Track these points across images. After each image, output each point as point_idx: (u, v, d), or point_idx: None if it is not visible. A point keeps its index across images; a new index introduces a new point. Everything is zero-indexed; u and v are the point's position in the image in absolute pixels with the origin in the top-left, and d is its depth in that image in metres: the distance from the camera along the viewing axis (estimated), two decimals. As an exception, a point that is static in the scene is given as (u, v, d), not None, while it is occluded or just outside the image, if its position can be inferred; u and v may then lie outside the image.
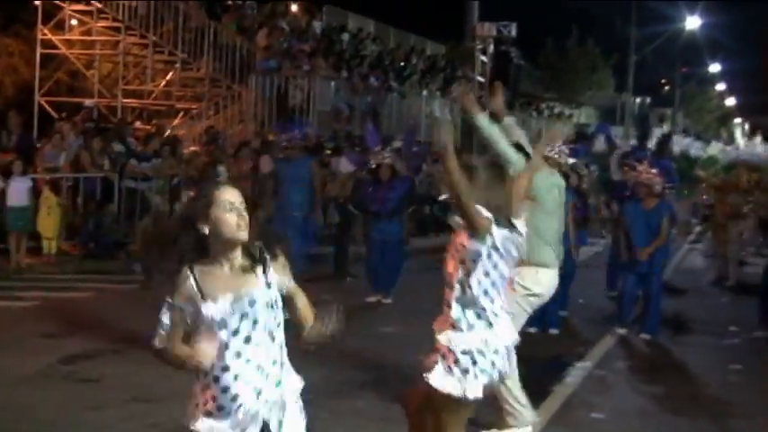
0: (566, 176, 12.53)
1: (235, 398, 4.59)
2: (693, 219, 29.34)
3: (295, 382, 4.78)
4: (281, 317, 4.69)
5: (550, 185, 8.17)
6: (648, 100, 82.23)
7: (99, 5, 26.65)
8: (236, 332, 4.57)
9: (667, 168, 12.90)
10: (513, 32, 30.24)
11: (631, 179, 13.21)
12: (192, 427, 4.68)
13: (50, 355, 9.97)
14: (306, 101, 26.47)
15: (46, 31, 27.24)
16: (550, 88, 60.95)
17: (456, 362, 5.60)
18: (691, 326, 13.93)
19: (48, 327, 11.47)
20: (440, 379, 5.63)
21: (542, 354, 11.64)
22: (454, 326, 5.73)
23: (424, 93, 34.92)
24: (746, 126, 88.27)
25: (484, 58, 30.48)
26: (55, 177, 17.40)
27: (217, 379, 4.61)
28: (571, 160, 12.83)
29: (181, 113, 27.68)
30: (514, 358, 6.04)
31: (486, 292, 5.71)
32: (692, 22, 62.56)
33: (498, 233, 5.68)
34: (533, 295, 8.10)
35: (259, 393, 4.62)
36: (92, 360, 9.85)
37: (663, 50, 66.22)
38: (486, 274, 5.70)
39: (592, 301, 14.33)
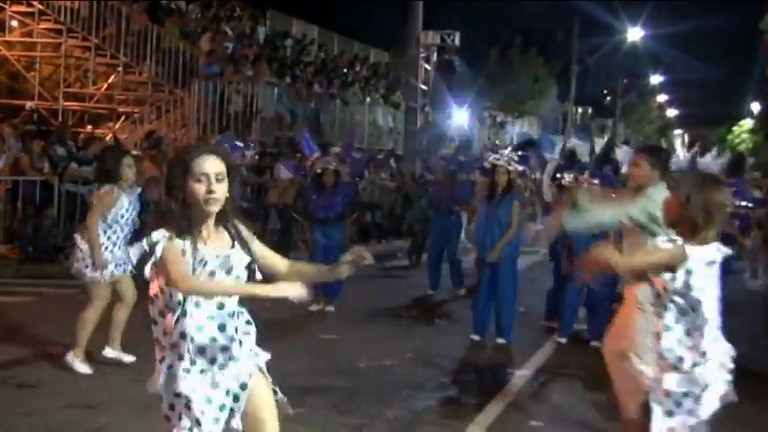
0: (511, 183, 12.68)
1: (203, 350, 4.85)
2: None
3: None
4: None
5: None
6: (590, 110, 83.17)
7: (40, 7, 26.30)
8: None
9: (610, 180, 12.92)
10: (457, 41, 30.47)
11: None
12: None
13: (-13, 359, 9.89)
14: (248, 106, 26.44)
15: (-15, 32, 27.01)
16: (493, 97, 61.20)
17: (678, 404, 5.42)
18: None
19: (-16, 331, 11.37)
20: (662, 423, 5.47)
21: (483, 361, 11.74)
22: (671, 366, 5.48)
23: (368, 100, 35.02)
24: (686, 137, 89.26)
25: (427, 66, 30.60)
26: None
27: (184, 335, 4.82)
28: (520, 168, 12.99)
29: (122, 117, 27.52)
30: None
31: (697, 323, 5.51)
32: (634, 33, 63.31)
33: (698, 253, 5.48)
34: None
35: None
36: (29, 365, 9.78)
37: (605, 61, 67.11)
38: (694, 300, 5.50)
39: (532, 308, 14.40)
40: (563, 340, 12.74)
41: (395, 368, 10.90)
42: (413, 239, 21.81)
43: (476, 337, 12.67)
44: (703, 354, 5.53)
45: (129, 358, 9.88)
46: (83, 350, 9.70)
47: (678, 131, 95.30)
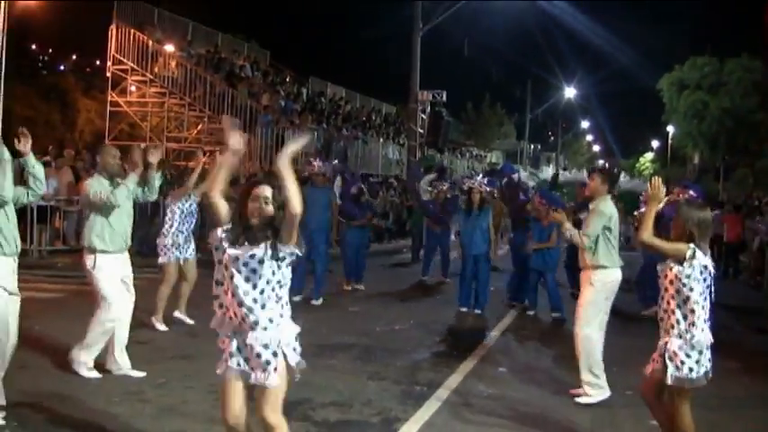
0: (483, 200, 12.71)
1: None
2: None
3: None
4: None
5: (617, 213, 7.84)
6: (539, 146, 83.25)
7: (151, 77, 26.73)
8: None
9: (550, 198, 12.93)
10: (444, 97, 30.29)
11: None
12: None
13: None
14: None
15: (113, 94, 27.36)
16: (470, 137, 61.39)
17: (682, 362, 5.43)
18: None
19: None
20: (674, 375, 5.44)
21: (465, 326, 11.75)
22: (678, 335, 5.46)
23: (381, 140, 35.02)
24: (606, 165, 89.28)
25: (423, 116, 30.52)
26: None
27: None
28: (488, 188, 13.02)
29: (207, 153, 27.54)
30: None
31: (702, 307, 5.46)
32: (570, 92, 64.46)
33: (703, 258, 5.43)
34: (611, 288, 7.70)
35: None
36: (143, 328, 9.82)
37: (550, 111, 67.73)
38: (701, 292, 5.44)
39: (498, 289, 14.35)
40: (532, 312, 12.82)
41: (402, 331, 10.91)
42: (413, 241, 21.67)
43: (463, 309, 12.73)
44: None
45: (189, 321, 10.36)
46: (161, 313, 10.19)
47: (601, 161, 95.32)
